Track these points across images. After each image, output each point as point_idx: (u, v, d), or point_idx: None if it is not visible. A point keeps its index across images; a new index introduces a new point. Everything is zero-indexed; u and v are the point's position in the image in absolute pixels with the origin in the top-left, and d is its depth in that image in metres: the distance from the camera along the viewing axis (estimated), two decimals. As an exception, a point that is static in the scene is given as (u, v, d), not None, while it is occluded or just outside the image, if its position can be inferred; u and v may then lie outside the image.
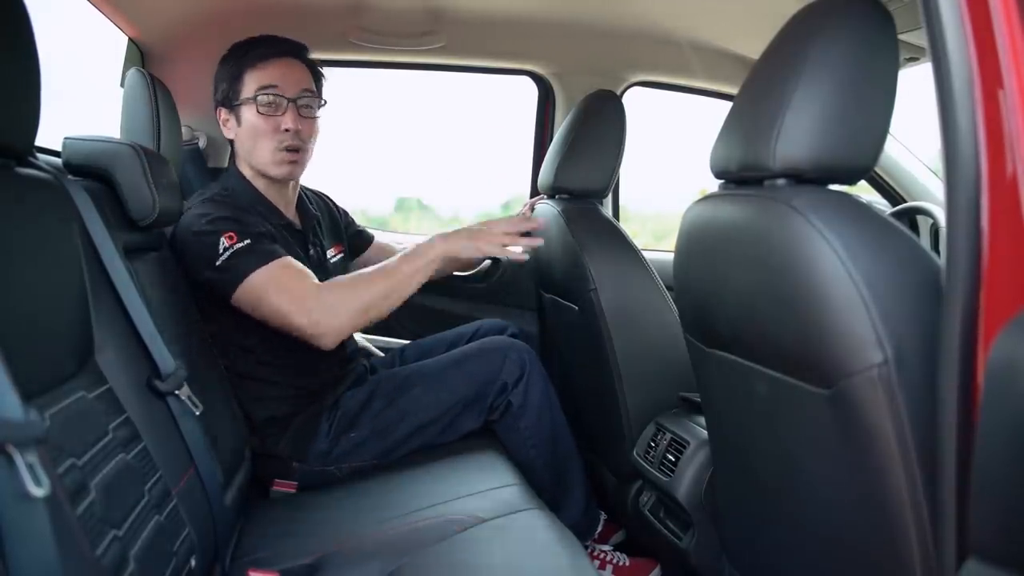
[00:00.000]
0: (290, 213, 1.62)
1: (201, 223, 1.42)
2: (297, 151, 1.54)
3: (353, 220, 1.93)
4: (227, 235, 1.39)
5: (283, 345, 1.46)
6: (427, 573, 1.10)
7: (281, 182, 1.58)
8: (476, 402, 1.54)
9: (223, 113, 1.57)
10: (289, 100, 1.53)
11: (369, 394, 1.55)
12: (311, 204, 1.73)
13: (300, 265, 1.43)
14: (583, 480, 1.64)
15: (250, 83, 1.53)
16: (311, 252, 1.64)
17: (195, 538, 1.06)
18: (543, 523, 1.21)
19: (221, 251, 1.38)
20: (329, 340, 1.39)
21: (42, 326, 0.88)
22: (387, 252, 1.87)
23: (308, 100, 1.56)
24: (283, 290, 1.38)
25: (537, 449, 1.57)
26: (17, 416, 0.63)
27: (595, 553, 1.67)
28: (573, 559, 1.10)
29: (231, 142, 1.61)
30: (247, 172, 1.58)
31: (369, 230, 1.97)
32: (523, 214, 1.81)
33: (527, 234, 1.44)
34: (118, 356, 1.04)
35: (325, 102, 1.60)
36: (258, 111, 1.52)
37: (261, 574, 1.14)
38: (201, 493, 1.14)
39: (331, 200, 1.88)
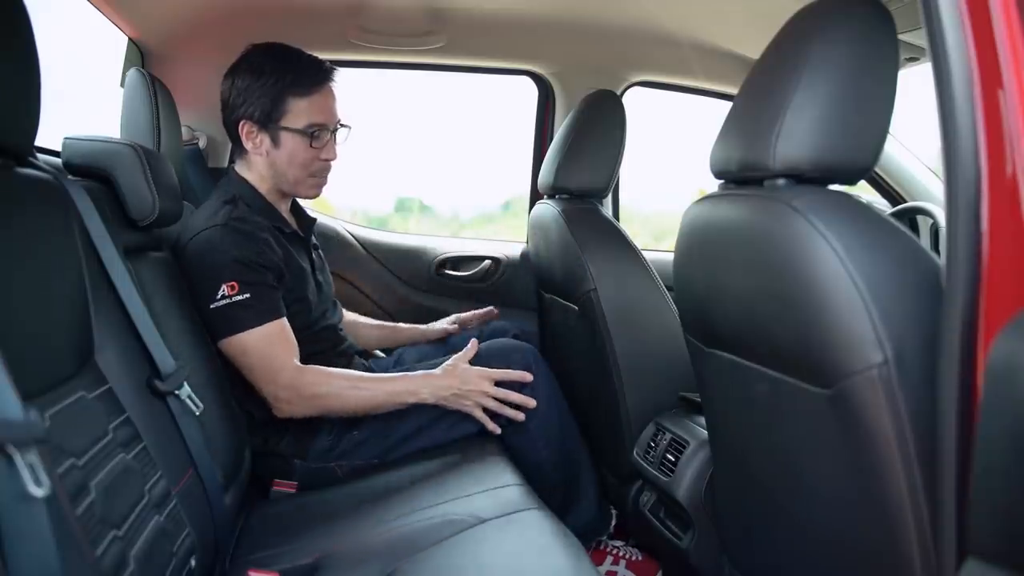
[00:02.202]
0: (292, 221, 1.65)
1: (210, 255, 1.41)
2: (326, 175, 1.59)
3: None
4: (229, 284, 1.40)
5: (301, 348, 1.47)
6: (427, 573, 1.10)
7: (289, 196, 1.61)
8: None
9: (252, 128, 1.53)
10: (331, 132, 1.56)
11: None
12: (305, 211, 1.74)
13: (289, 334, 1.44)
14: (594, 477, 1.64)
15: (298, 113, 1.52)
16: (313, 256, 1.66)
17: (195, 538, 1.06)
18: (543, 523, 1.21)
19: (219, 297, 1.39)
20: (283, 415, 1.44)
21: (42, 326, 0.88)
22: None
23: (341, 129, 1.59)
24: (263, 357, 1.41)
25: (548, 449, 1.57)
26: (17, 416, 0.63)
27: (607, 548, 1.67)
28: (573, 559, 1.10)
29: (242, 149, 1.56)
30: (257, 183, 1.57)
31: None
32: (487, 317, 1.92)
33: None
34: (118, 356, 1.04)
35: (349, 128, 1.61)
36: (311, 145, 1.53)
37: (261, 574, 1.14)
38: (201, 493, 1.14)
39: None
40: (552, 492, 1.50)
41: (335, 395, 1.44)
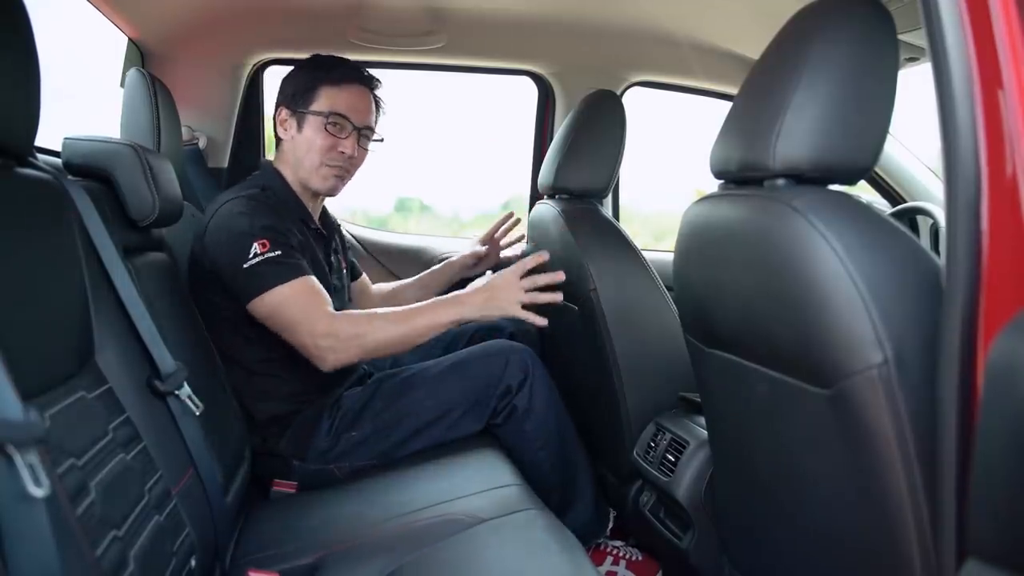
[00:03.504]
0: (317, 221, 1.67)
1: (238, 222, 1.44)
2: (342, 171, 1.61)
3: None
4: (260, 241, 1.41)
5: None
6: (427, 573, 1.10)
7: (315, 192, 1.63)
8: (477, 405, 1.54)
9: (284, 112, 1.60)
10: (354, 127, 1.59)
11: (371, 394, 1.55)
12: (331, 216, 1.77)
13: (321, 287, 1.46)
14: (591, 479, 1.64)
15: (324, 100, 1.57)
16: (332, 259, 1.68)
17: (195, 538, 1.06)
18: (543, 523, 1.21)
19: (251, 256, 1.40)
20: (328, 365, 1.42)
21: (42, 326, 0.88)
22: (367, 293, 1.93)
23: (369, 134, 1.63)
24: (300, 308, 1.41)
25: (545, 451, 1.57)
26: (17, 416, 0.63)
27: (607, 549, 1.67)
28: (573, 559, 1.10)
29: (278, 141, 1.63)
30: (288, 175, 1.61)
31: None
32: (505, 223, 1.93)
33: (545, 289, 1.44)
34: (118, 356, 1.04)
35: (382, 139, 1.65)
36: (325, 129, 1.56)
37: (261, 574, 1.14)
38: (201, 493, 1.14)
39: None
40: (549, 493, 1.50)
41: (374, 333, 1.43)
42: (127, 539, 0.87)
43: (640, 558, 1.66)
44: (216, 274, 1.45)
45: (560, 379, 1.63)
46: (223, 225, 1.45)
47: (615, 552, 1.67)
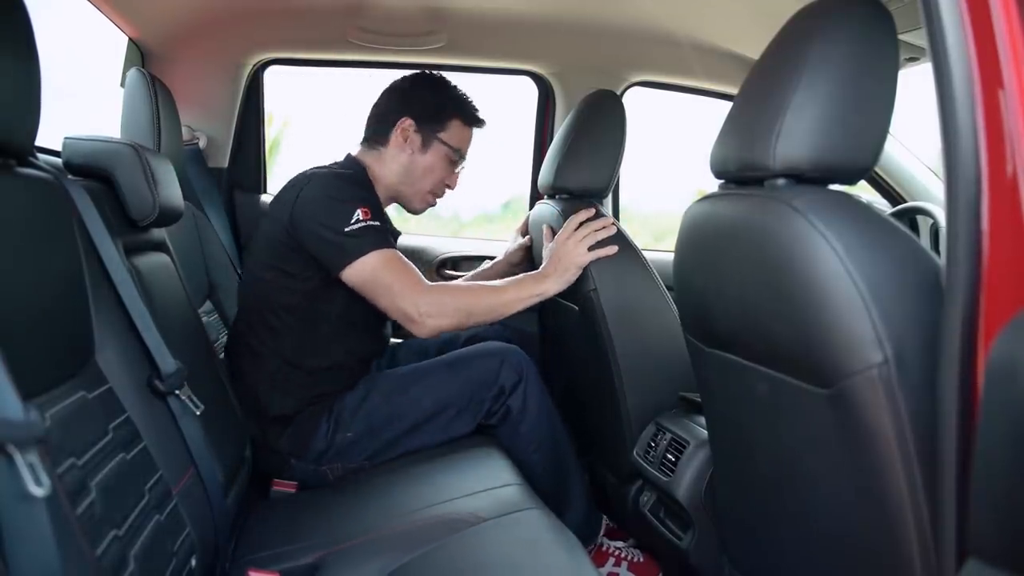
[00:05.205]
0: None
1: (340, 190, 1.48)
2: (439, 200, 1.70)
3: None
4: (363, 208, 1.45)
5: (353, 316, 1.54)
6: (427, 573, 1.10)
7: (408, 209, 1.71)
8: (470, 406, 1.55)
9: (411, 126, 1.61)
10: (463, 167, 1.69)
11: (365, 393, 1.55)
12: None
13: (410, 262, 1.50)
14: (583, 484, 1.64)
15: (455, 133, 1.64)
16: None
17: (195, 538, 1.06)
18: (543, 523, 1.21)
19: (354, 221, 1.44)
20: (426, 331, 1.46)
21: (42, 326, 0.88)
22: None
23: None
24: (400, 273, 1.45)
25: (539, 453, 1.57)
26: (17, 416, 0.63)
27: (609, 550, 1.67)
28: (572, 558, 1.10)
29: (376, 141, 1.63)
30: (379, 178, 1.63)
31: None
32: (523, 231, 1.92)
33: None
34: (118, 356, 1.04)
35: (465, 167, 1.71)
36: (449, 161, 1.64)
37: (261, 574, 1.14)
38: (201, 493, 1.14)
39: None
40: (543, 498, 1.51)
41: (474, 300, 1.49)
42: (127, 539, 0.87)
43: (641, 559, 1.66)
44: (299, 245, 1.47)
45: (560, 379, 1.63)
46: (320, 195, 1.47)
47: (617, 553, 1.67)
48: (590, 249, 1.49)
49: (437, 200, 1.70)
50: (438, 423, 1.54)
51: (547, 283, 1.51)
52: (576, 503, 1.62)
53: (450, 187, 1.68)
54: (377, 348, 1.69)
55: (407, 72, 1.71)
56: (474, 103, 1.68)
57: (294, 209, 1.47)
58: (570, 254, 1.50)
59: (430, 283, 1.48)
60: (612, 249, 1.49)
